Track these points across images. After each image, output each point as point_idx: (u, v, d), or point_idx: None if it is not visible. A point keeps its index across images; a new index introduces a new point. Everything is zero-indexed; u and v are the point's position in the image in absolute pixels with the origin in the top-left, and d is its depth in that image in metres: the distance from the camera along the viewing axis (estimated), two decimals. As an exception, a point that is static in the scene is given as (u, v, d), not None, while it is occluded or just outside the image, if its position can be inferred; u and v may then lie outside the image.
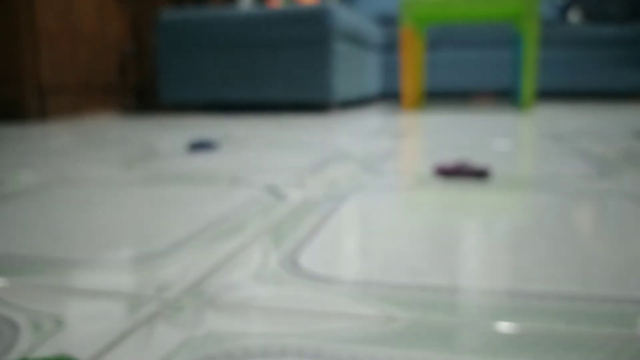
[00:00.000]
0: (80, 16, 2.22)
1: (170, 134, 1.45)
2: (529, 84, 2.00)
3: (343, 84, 2.13)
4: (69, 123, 1.91)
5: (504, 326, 0.31)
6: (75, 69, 2.19)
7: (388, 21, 3.09)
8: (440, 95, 3.23)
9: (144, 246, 0.46)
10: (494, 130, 1.41)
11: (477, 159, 0.92)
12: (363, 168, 0.84)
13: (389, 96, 3.18)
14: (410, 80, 2.11)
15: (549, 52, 2.80)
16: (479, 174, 0.73)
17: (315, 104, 2.27)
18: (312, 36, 2.01)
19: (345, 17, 2.13)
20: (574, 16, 2.83)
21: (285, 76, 2.06)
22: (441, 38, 2.91)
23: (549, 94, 3.05)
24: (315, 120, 1.81)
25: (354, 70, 2.30)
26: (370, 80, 2.64)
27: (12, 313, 0.33)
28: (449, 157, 0.94)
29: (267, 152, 1.04)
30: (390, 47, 2.96)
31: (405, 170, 0.82)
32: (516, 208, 0.58)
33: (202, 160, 0.95)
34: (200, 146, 1.07)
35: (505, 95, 3.09)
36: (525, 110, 2.02)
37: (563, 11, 2.88)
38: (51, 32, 2.05)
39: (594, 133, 1.31)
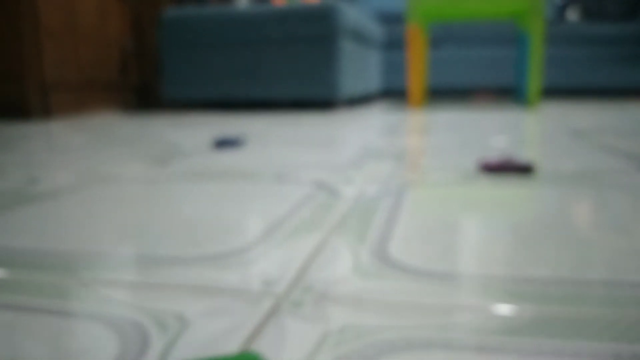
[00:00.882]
0: (81, 13, 2.19)
1: (184, 131, 1.43)
2: (535, 81, 2.01)
3: (348, 82, 2.13)
4: (73, 121, 1.89)
5: (625, 314, 0.31)
6: (78, 66, 2.16)
7: (387, 19, 3.09)
8: (440, 93, 3.24)
9: (226, 242, 0.46)
10: (510, 127, 1.42)
11: (506, 155, 0.92)
12: (402, 164, 0.84)
13: (390, 94, 3.18)
14: (417, 77, 2.11)
15: (547, 50, 2.82)
16: (524, 170, 0.73)
17: (321, 101, 2.27)
18: (319, 34, 2.00)
19: (351, 15, 2.13)
20: (572, 14, 2.86)
21: (291, 74, 2.05)
22: (441, 36, 2.92)
23: (547, 92, 3.07)
24: (325, 117, 1.80)
25: (357, 67, 2.29)
26: (372, 78, 2.65)
27: (130, 312, 0.33)
28: (479, 154, 0.94)
29: (295, 149, 1.04)
30: (390, 45, 2.96)
31: (447, 166, 0.82)
32: (578, 201, 0.58)
33: (234, 157, 0.94)
34: (225, 143, 1.06)
35: (505, 93, 3.11)
36: (532, 108, 2.03)
37: (561, 10, 2.90)
38: (54, 30, 2.03)
39: (611, 129, 1.32)
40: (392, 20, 3.08)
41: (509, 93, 3.09)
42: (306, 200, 0.61)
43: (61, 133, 1.46)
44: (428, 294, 0.34)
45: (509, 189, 0.65)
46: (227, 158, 0.94)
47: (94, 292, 0.35)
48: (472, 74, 2.90)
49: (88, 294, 0.35)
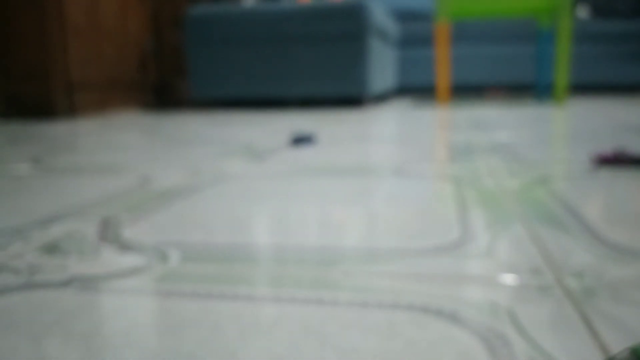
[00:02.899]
0: (104, 12, 2.16)
1: (237, 129, 1.42)
2: (562, 78, 2.04)
3: (375, 79, 2.14)
4: (101, 119, 1.86)
5: None
6: (100, 65, 2.13)
7: (400, 17, 3.10)
8: (453, 90, 3.27)
9: (432, 234, 0.46)
10: (560, 122, 1.44)
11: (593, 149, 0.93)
12: (507, 158, 0.85)
13: (404, 91, 3.20)
14: (444, 74, 2.13)
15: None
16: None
17: (350, 98, 2.27)
18: (349, 31, 2.00)
19: (377, 13, 2.14)
20: (582, 12, 2.91)
21: (320, 71, 2.05)
22: (454, 34, 2.95)
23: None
24: (361, 113, 1.80)
25: (381, 65, 2.30)
26: (390, 75, 2.66)
27: (440, 302, 0.33)
28: (569, 148, 0.95)
29: (370, 145, 1.04)
30: (404, 43, 2.98)
31: (559, 160, 0.83)
32: None
33: (322, 153, 0.94)
34: (302, 140, 1.06)
35: (515, 90, 3.14)
36: (560, 104, 2.06)
37: (572, 7, 2.95)
38: (79, 28, 2.00)
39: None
40: (404, 17, 3.09)
41: (519, 90, 3.12)
42: (458, 192, 0.61)
43: (107, 132, 1.44)
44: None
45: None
46: (316, 154, 0.94)
47: (376, 284, 0.35)
48: (482, 71, 2.93)
49: (372, 286, 0.35)
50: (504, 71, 2.92)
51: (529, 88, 3.04)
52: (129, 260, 0.42)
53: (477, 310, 0.31)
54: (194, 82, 2.17)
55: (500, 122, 1.47)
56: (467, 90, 3.20)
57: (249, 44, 2.09)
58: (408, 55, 2.96)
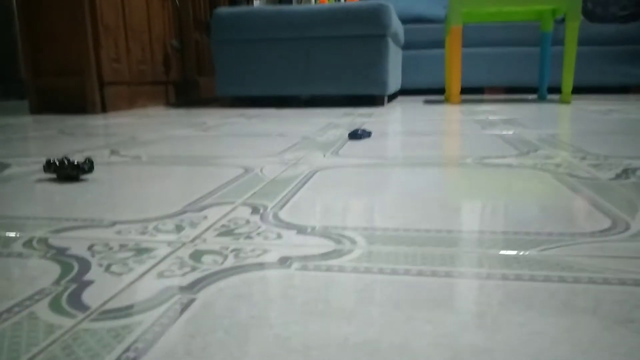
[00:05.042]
0: (132, 11, 2.18)
1: (280, 124, 1.45)
2: (568, 77, 2.12)
3: (392, 79, 2.19)
4: (134, 114, 1.86)
5: None
6: (128, 62, 2.15)
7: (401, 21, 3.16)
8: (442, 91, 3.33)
9: (591, 221, 0.50)
10: (589, 118, 1.50)
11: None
12: (575, 152, 0.90)
13: (405, 92, 3.25)
14: (456, 76, 2.18)
15: (552, 49, 2.96)
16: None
17: (371, 97, 2.31)
18: (372, 32, 2.04)
19: (394, 15, 2.18)
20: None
21: (342, 71, 2.08)
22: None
23: (550, 90, 3.20)
24: (384, 110, 1.85)
25: (395, 65, 2.35)
26: (399, 76, 2.71)
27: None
28: (617, 143, 1.01)
29: (428, 138, 1.08)
30: (405, 46, 3.03)
31: (624, 151, 0.88)
32: None
33: (388, 146, 0.98)
34: (361, 134, 1.09)
35: (514, 91, 3.22)
36: (567, 102, 2.14)
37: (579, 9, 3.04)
38: (110, 27, 2.01)
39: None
40: (404, 22, 3.15)
41: (515, 91, 3.20)
42: (563, 182, 0.66)
43: (155, 125, 1.45)
44: None
45: None
46: (381, 146, 0.97)
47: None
48: (480, 72, 3.00)
49: (576, 265, 0.39)
50: (500, 72, 3.00)
51: (525, 89, 3.12)
52: (319, 242, 0.45)
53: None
54: (220, 80, 2.19)
55: (528, 118, 1.52)
56: (466, 91, 3.27)
57: (273, 44, 2.12)
58: (409, 57, 3.02)
